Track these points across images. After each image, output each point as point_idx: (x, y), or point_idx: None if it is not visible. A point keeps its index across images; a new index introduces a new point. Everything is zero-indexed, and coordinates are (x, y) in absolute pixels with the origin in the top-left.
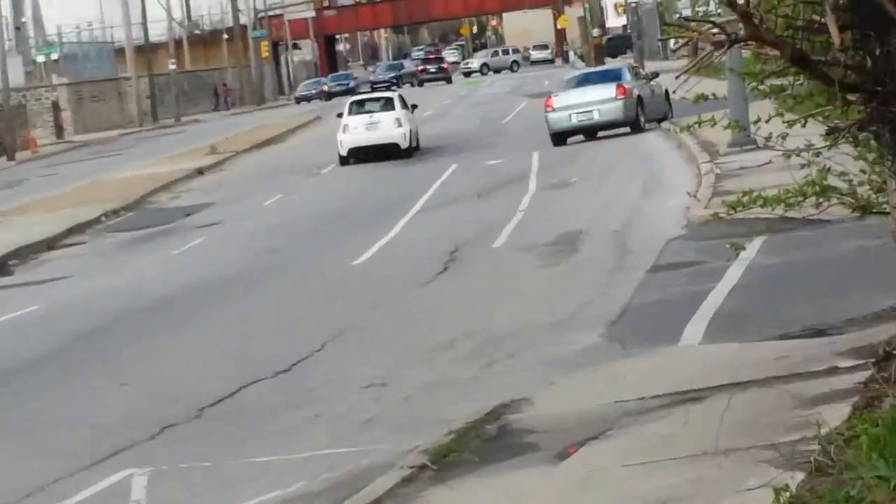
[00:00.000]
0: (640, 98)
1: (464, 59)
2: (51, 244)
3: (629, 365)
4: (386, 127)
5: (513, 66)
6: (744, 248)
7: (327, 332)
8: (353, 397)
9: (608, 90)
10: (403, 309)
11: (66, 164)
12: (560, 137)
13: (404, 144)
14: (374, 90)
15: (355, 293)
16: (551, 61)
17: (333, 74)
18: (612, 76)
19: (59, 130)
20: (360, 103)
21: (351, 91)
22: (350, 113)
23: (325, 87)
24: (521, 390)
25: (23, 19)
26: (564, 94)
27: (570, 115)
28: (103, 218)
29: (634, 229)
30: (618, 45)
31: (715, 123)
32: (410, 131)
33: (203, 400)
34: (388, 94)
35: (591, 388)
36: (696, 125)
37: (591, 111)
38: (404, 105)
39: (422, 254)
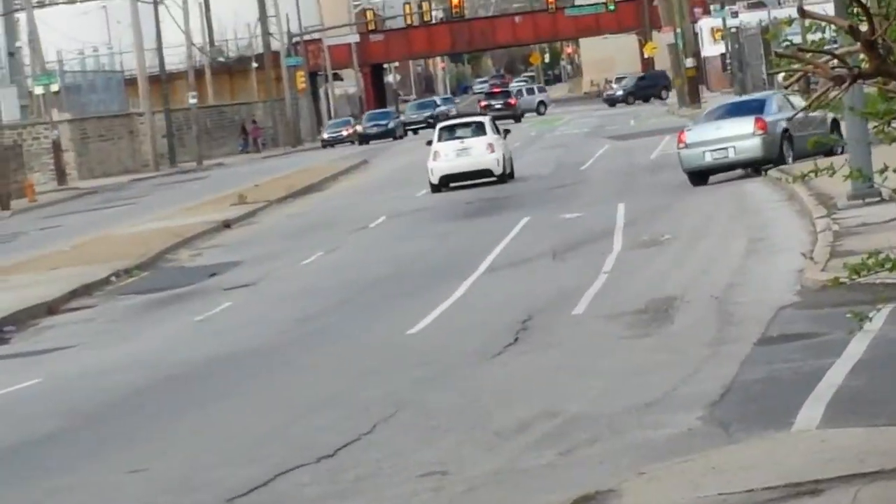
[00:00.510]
0: (786, 133)
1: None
2: (52, 308)
3: (733, 452)
4: (478, 153)
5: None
6: (868, 319)
7: (378, 411)
8: (408, 487)
9: (746, 125)
10: (467, 386)
11: (70, 215)
12: (697, 177)
13: (498, 171)
14: (417, 127)
15: (410, 367)
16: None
17: (370, 112)
18: (754, 108)
19: (60, 175)
20: (451, 129)
21: (390, 133)
22: (440, 139)
23: (359, 128)
24: (606, 481)
25: (17, 44)
26: (698, 128)
27: (703, 153)
28: (113, 278)
29: (739, 295)
30: (649, 84)
31: (834, 173)
32: (504, 156)
33: (232, 489)
34: (479, 118)
35: (689, 478)
36: (812, 174)
37: (726, 148)
38: (496, 130)
39: (488, 322)
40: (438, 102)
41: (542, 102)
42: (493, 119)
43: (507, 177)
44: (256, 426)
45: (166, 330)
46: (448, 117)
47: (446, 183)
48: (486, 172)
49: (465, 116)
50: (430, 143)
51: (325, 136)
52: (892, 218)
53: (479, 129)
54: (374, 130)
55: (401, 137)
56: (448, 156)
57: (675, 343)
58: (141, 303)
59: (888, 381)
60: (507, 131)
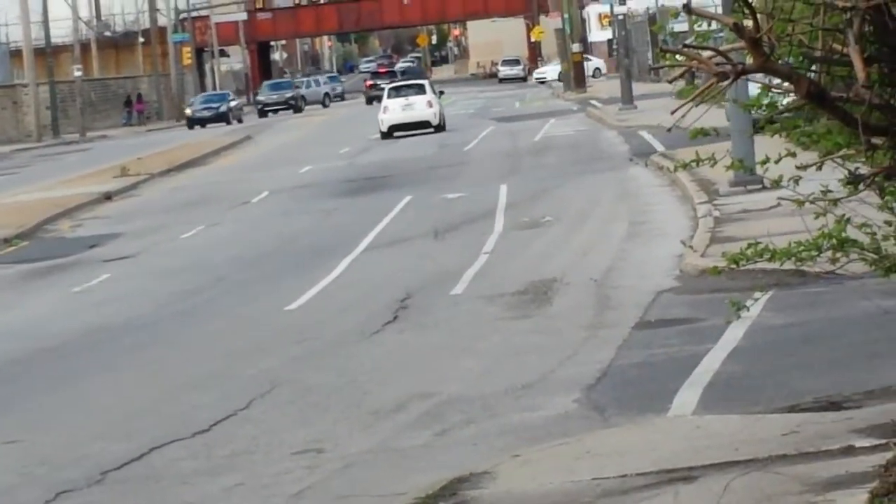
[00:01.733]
0: None
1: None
2: None
3: (609, 436)
4: (419, 108)
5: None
6: (746, 308)
7: (254, 387)
8: (282, 464)
9: None
10: (344, 364)
11: None
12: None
13: (434, 122)
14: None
15: (288, 344)
16: (523, 79)
17: (202, 95)
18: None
19: None
20: (398, 89)
21: (222, 117)
22: (388, 97)
23: (188, 111)
24: (481, 463)
25: None
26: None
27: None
28: None
29: (618, 279)
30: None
31: (715, 163)
32: (439, 112)
33: (106, 462)
34: (420, 81)
35: (563, 462)
36: (693, 164)
37: None
38: (434, 91)
39: (367, 300)
40: (310, 81)
41: (327, 94)
42: (431, 83)
43: (440, 128)
44: (132, 400)
45: (44, 300)
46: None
47: (392, 132)
48: (425, 124)
49: (408, 80)
50: (378, 99)
51: (192, 112)
52: (772, 205)
53: (420, 90)
54: (206, 114)
55: (239, 121)
56: (395, 110)
57: (553, 325)
58: (19, 272)
59: (764, 369)
60: (441, 92)
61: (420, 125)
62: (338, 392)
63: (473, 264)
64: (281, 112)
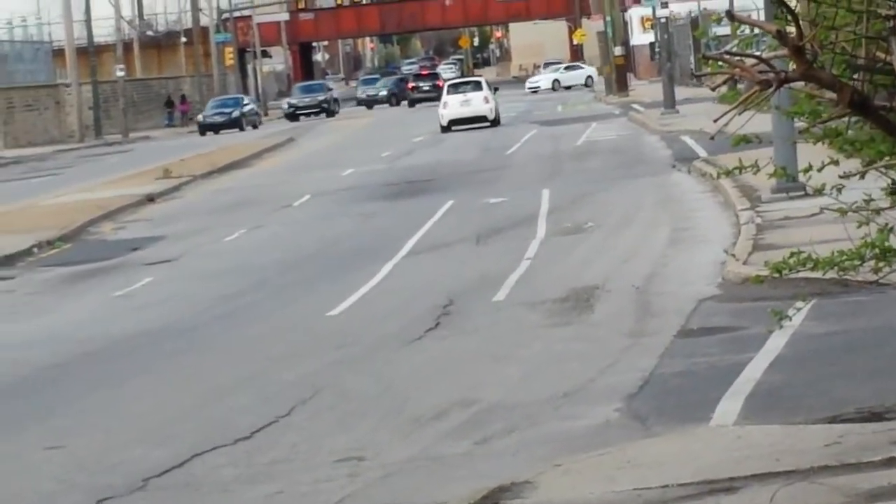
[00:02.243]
0: None
1: (462, 74)
2: None
3: (650, 446)
4: (476, 104)
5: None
6: (788, 318)
7: (296, 394)
8: (323, 472)
9: None
10: (386, 370)
11: None
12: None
13: (491, 117)
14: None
15: (330, 350)
16: None
17: (214, 99)
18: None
19: None
20: (456, 86)
21: (236, 123)
22: (448, 93)
23: (199, 117)
24: (522, 472)
25: None
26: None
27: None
28: (35, 249)
29: (660, 286)
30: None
31: (758, 170)
32: (495, 107)
33: (148, 468)
34: (477, 77)
35: (605, 472)
36: (737, 171)
37: None
38: (490, 87)
39: (409, 306)
40: (330, 85)
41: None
42: (487, 82)
43: (496, 122)
44: (173, 405)
45: (86, 304)
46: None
47: (451, 126)
48: (482, 118)
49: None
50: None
51: (205, 117)
52: (814, 213)
53: (477, 86)
54: (218, 119)
55: (255, 127)
56: (454, 105)
57: (594, 333)
58: (61, 275)
59: (806, 378)
60: (496, 88)
61: (477, 119)
62: (378, 399)
63: (515, 270)
64: (313, 116)
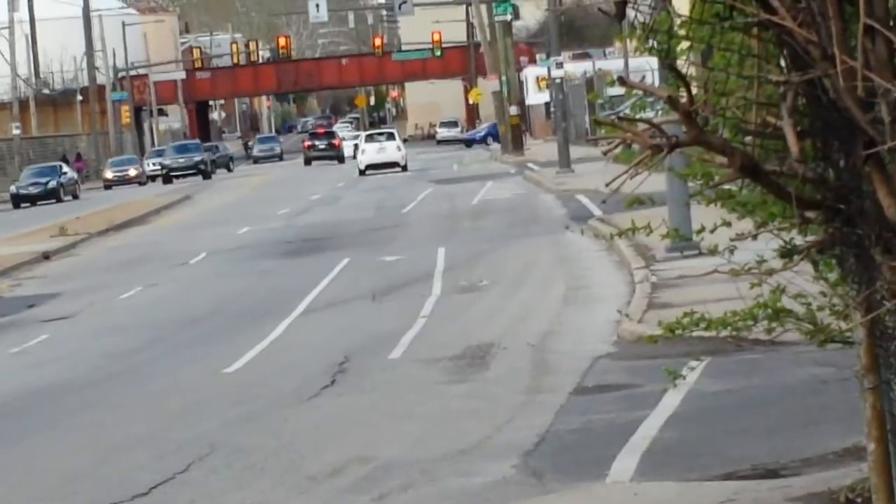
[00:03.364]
0: None
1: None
2: None
3: (547, 503)
4: (390, 151)
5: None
6: (682, 377)
7: (193, 451)
8: None
9: None
10: (282, 427)
11: None
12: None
13: (402, 163)
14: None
15: (226, 407)
16: (461, 141)
17: (29, 168)
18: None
19: None
20: (371, 136)
21: (52, 194)
22: (365, 142)
23: (12, 188)
24: None
25: None
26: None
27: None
28: None
29: (555, 344)
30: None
31: (651, 231)
32: (405, 155)
33: None
34: (390, 130)
35: None
36: (630, 232)
37: None
38: (400, 138)
39: (305, 363)
40: (225, 147)
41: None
42: (398, 134)
43: (405, 168)
44: (70, 463)
45: None
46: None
47: (367, 170)
48: (395, 164)
49: (381, 127)
50: (356, 145)
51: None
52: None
53: (391, 137)
54: (33, 191)
55: (74, 197)
56: (371, 153)
57: (490, 390)
58: None
59: (701, 436)
60: (406, 139)
61: (390, 165)
62: (275, 455)
63: (411, 328)
64: (188, 178)
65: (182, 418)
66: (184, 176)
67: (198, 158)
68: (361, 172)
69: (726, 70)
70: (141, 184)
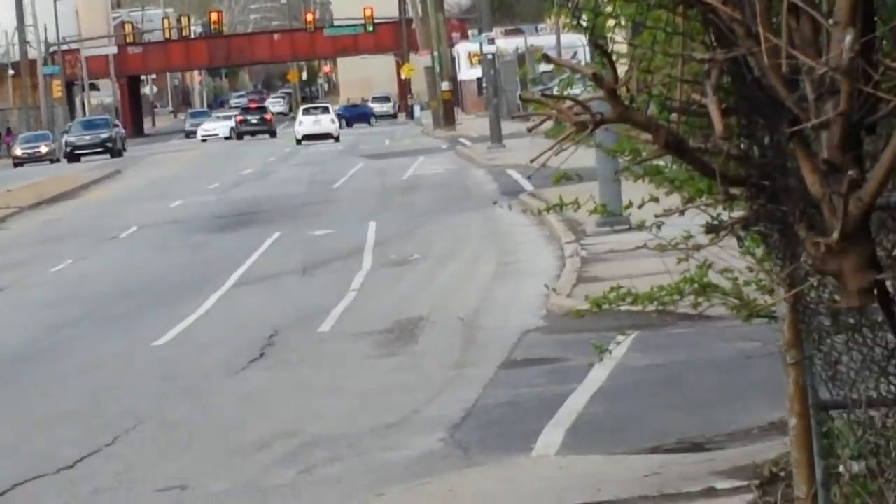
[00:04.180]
0: None
1: (290, 108)
2: None
3: (473, 476)
4: (325, 123)
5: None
6: (609, 352)
7: (120, 424)
8: (147, 501)
9: None
10: (210, 400)
11: None
12: None
13: (336, 134)
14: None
15: (154, 380)
16: (393, 116)
17: None
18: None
19: None
20: (308, 109)
21: None
22: (302, 115)
23: None
24: (346, 502)
25: None
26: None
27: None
28: None
29: (484, 318)
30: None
31: (579, 207)
32: (338, 128)
33: None
34: (325, 104)
35: (427, 502)
36: (559, 207)
37: None
38: (334, 112)
39: (234, 337)
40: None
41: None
42: (332, 108)
43: (338, 139)
44: None
45: None
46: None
47: (303, 140)
48: (329, 135)
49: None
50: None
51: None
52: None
53: (326, 111)
54: None
55: None
56: (307, 124)
57: (419, 364)
58: None
59: (628, 410)
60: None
61: (325, 136)
62: (202, 429)
63: (341, 302)
64: (95, 156)
65: (110, 392)
66: (90, 154)
67: (105, 135)
68: (298, 142)
69: (652, 48)
70: (52, 161)
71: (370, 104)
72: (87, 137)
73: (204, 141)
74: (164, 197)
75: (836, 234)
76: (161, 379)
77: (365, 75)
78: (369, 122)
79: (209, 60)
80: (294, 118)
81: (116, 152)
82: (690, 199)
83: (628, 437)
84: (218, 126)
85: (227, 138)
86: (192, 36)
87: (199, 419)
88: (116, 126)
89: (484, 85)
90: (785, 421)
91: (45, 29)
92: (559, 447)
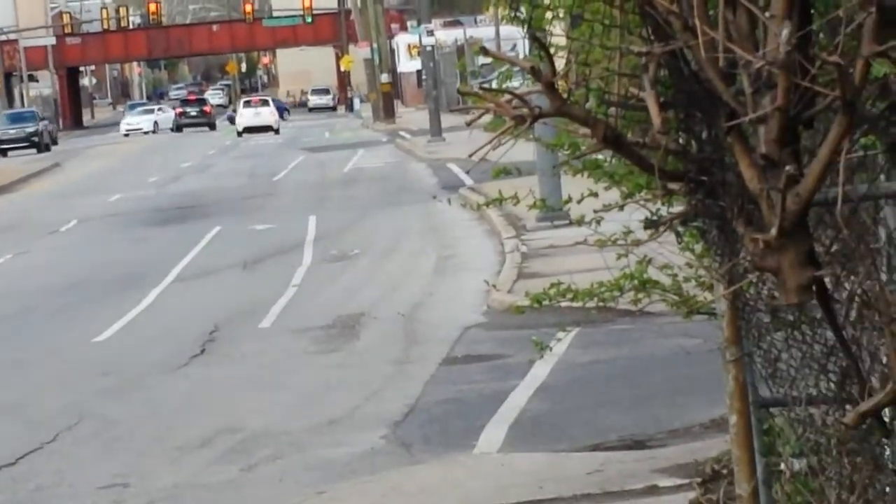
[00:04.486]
0: None
1: (230, 99)
2: None
3: (415, 473)
4: (265, 116)
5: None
6: (549, 348)
7: (61, 420)
8: (89, 498)
9: None
10: (151, 397)
11: None
12: None
13: (275, 127)
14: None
15: (95, 376)
16: (333, 108)
17: None
18: None
19: None
20: (248, 102)
21: None
22: (243, 107)
23: None
24: (288, 499)
25: None
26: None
27: None
28: None
29: (426, 313)
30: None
31: (518, 202)
32: (277, 120)
33: None
34: (265, 97)
35: (369, 499)
36: (498, 202)
37: None
38: (274, 105)
39: (175, 332)
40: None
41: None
42: (273, 100)
43: (277, 131)
44: None
45: None
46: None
47: (246, 132)
48: (269, 128)
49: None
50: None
51: None
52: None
53: (266, 103)
54: None
55: None
56: (248, 116)
57: (360, 360)
58: None
59: (570, 407)
60: (286, 109)
61: (265, 129)
62: (143, 425)
63: (282, 297)
64: (21, 151)
65: (51, 388)
66: (16, 149)
67: (31, 129)
68: (239, 134)
69: (589, 40)
70: None
71: (309, 96)
72: (12, 132)
73: (126, 136)
74: (104, 190)
75: (774, 231)
76: (102, 375)
77: (304, 67)
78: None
79: (148, 52)
80: (235, 110)
81: (44, 147)
82: (629, 194)
83: (570, 434)
84: (141, 120)
85: (149, 133)
86: (131, 27)
87: (140, 416)
88: (44, 119)
89: (423, 77)
90: (726, 418)
91: None
92: (501, 444)
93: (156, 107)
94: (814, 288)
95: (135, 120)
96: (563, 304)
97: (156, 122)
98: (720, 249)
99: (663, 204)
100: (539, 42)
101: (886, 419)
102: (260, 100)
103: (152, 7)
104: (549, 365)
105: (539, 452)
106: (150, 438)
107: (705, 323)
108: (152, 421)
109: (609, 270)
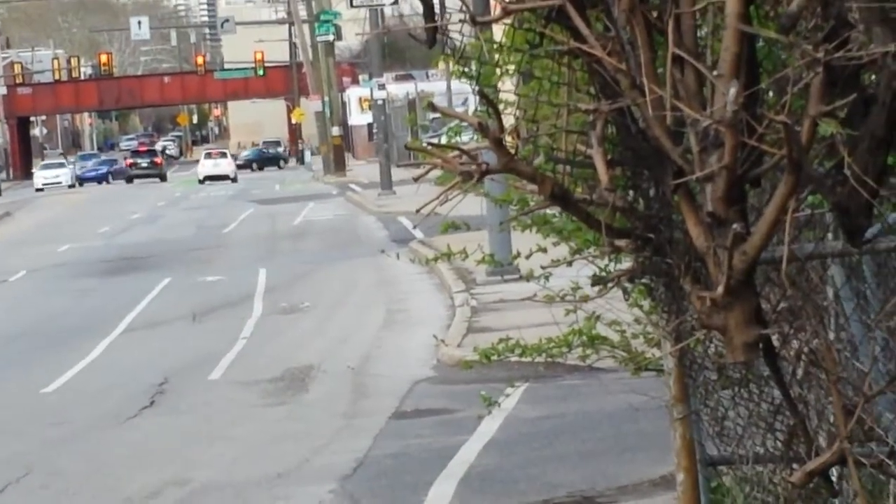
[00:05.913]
0: None
1: (181, 151)
2: None
3: None
4: (224, 166)
5: None
6: (497, 404)
7: (9, 472)
8: None
9: None
10: (99, 449)
11: None
12: None
13: (232, 176)
14: None
15: (43, 427)
16: (234, 180)
17: None
18: None
19: None
20: (209, 154)
21: None
22: (204, 158)
23: None
24: None
25: None
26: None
27: None
28: None
29: (375, 367)
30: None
31: (467, 257)
32: (234, 170)
33: None
34: (224, 149)
35: None
36: (447, 257)
37: None
38: (231, 157)
39: (124, 384)
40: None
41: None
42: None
43: (235, 179)
44: None
45: None
46: None
47: (205, 180)
48: (227, 177)
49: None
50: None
51: None
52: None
53: (224, 155)
54: None
55: None
56: (208, 166)
57: (309, 413)
58: None
59: (519, 462)
60: (234, 156)
61: (224, 177)
62: (91, 477)
63: (231, 349)
64: None
65: None
66: None
67: None
68: (201, 182)
69: (537, 97)
70: None
71: (261, 148)
72: None
73: (40, 190)
74: (53, 241)
75: (720, 289)
76: (50, 426)
77: (255, 119)
78: (279, 166)
79: (99, 102)
80: (185, 163)
81: None
82: (578, 249)
83: (519, 489)
84: (60, 173)
85: (70, 186)
86: (83, 77)
87: (89, 467)
88: None
89: (374, 130)
90: (674, 475)
91: None
92: (450, 500)
93: (73, 160)
94: (761, 346)
95: (52, 173)
96: (513, 359)
97: (77, 177)
98: (667, 307)
99: (611, 261)
100: (487, 98)
101: (833, 478)
102: (219, 152)
103: (104, 58)
104: (498, 420)
105: None
106: (98, 490)
107: (653, 379)
108: (100, 473)
109: (558, 326)
